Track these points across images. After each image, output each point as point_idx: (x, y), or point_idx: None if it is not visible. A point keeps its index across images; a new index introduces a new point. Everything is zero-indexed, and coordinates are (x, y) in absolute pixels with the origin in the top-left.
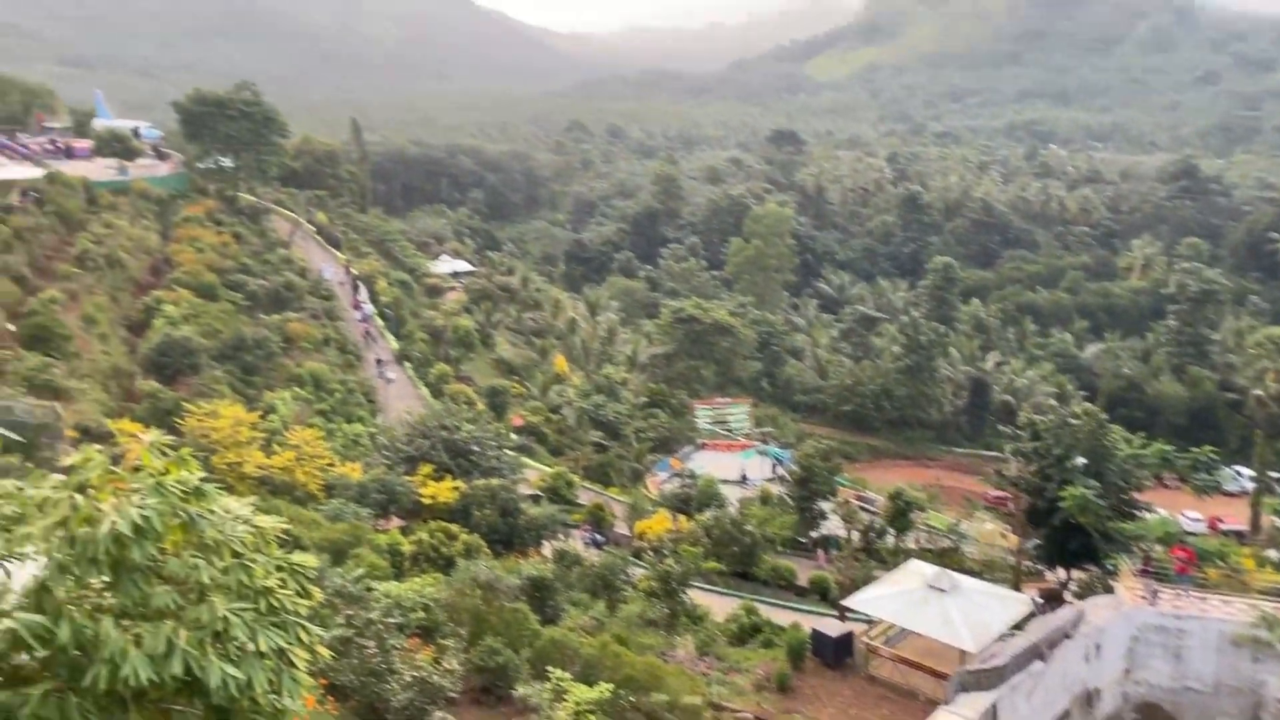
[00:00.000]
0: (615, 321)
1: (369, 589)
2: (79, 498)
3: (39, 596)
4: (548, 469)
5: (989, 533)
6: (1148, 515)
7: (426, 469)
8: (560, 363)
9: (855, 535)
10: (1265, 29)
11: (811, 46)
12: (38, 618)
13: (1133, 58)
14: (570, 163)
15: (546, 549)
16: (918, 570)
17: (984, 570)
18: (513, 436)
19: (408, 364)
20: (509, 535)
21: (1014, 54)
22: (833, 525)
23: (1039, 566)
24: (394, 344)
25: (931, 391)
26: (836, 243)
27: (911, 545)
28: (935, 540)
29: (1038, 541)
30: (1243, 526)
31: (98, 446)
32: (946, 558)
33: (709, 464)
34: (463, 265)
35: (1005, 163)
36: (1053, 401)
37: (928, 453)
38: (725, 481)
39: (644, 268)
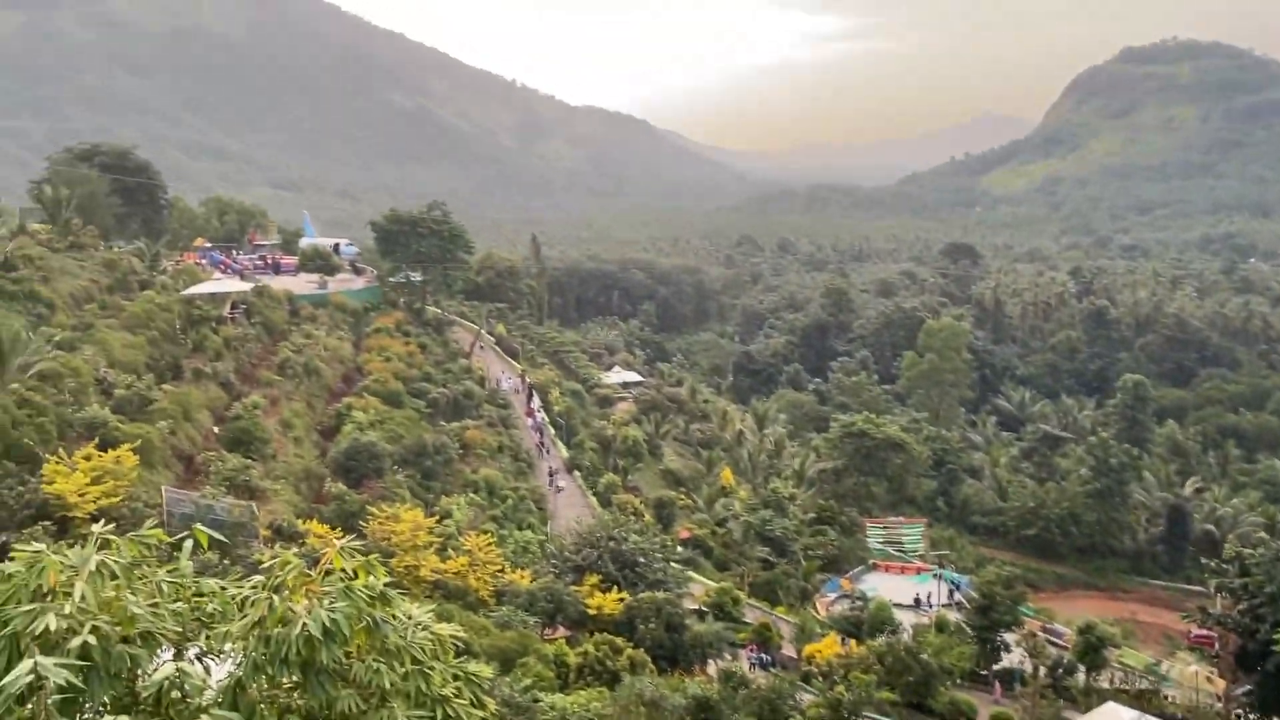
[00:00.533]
0: (783, 435)
1: (536, 699)
2: (276, 598)
3: (234, 694)
4: (713, 584)
5: (1193, 675)
6: None
7: (593, 579)
8: (727, 475)
9: (1042, 671)
10: None
11: (987, 160)
12: (234, 715)
13: None
14: (739, 275)
15: (711, 668)
16: (1114, 714)
17: (1188, 717)
18: (679, 549)
19: (577, 473)
20: (674, 651)
21: (1206, 165)
22: (1016, 658)
23: (1252, 715)
24: (565, 452)
25: (1124, 518)
26: (1016, 358)
27: (1105, 685)
28: (1132, 681)
29: (1249, 687)
30: None
31: (290, 547)
32: (1145, 701)
33: (881, 586)
34: (633, 376)
35: (1200, 277)
36: (1262, 534)
37: (1121, 584)
38: (899, 605)
39: (813, 381)
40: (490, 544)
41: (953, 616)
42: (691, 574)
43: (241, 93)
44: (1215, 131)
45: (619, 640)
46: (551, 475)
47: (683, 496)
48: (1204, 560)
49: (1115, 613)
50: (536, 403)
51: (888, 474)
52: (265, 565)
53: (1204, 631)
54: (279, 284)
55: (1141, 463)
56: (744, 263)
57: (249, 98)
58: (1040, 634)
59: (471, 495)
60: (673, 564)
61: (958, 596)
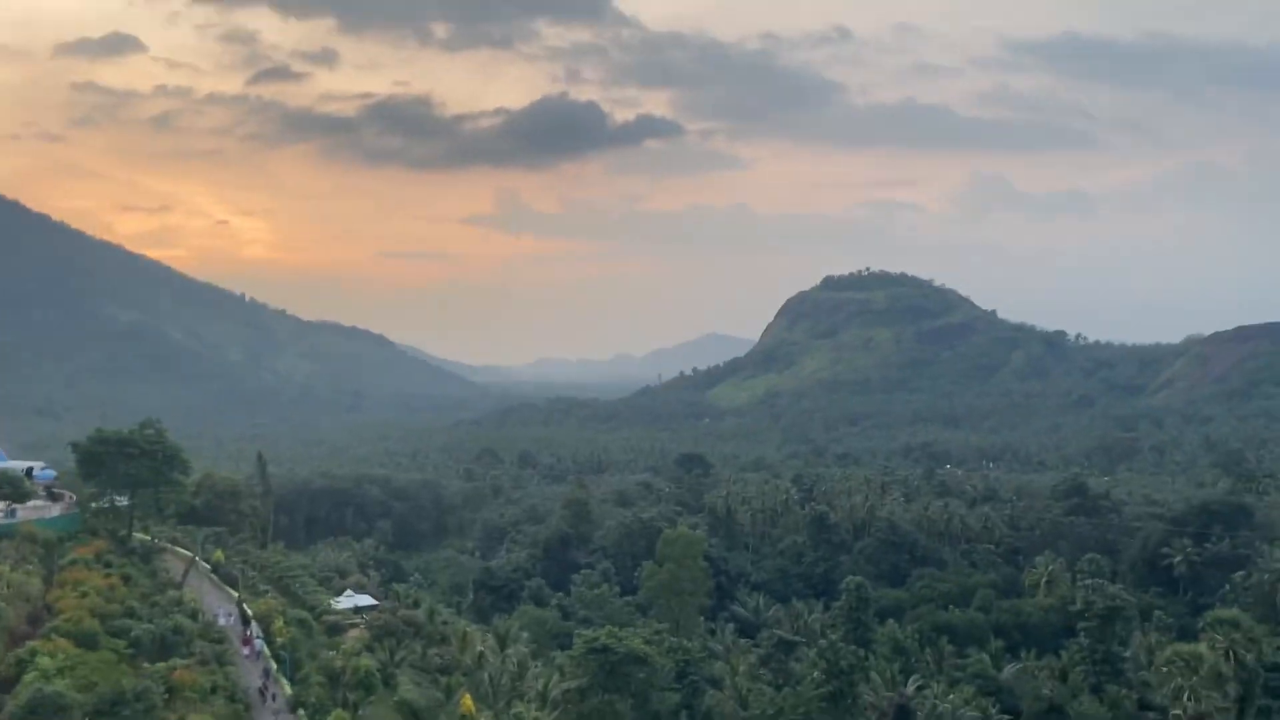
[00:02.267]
0: (525, 654)
1: None
2: None
3: None
4: None
5: None
6: None
7: None
8: (467, 702)
9: None
10: (1129, 357)
11: (713, 375)
12: None
13: (1012, 383)
14: (480, 489)
15: None
16: None
17: None
18: None
19: (302, 711)
20: None
21: (902, 380)
22: None
23: None
24: (288, 689)
25: (856, 718)
26: (750, 564)
27: None
28: None
29: None
30: None
31: None
32: None
33: None
34: (366, 599)
35: (906, 482)
36: None
37: None
38: None
39: (556, 595)
40: None
41: None
42: None
43: None
44: (908, 351)
45: None
46: (271, 715)
47: None
48: None
49: None
50: (255, 629)
51: (632, 689)
52: None
53: None
54: None
55: (868, 663)
56: (484, 476)
57: None
58: None
59: None
60: None
61: None
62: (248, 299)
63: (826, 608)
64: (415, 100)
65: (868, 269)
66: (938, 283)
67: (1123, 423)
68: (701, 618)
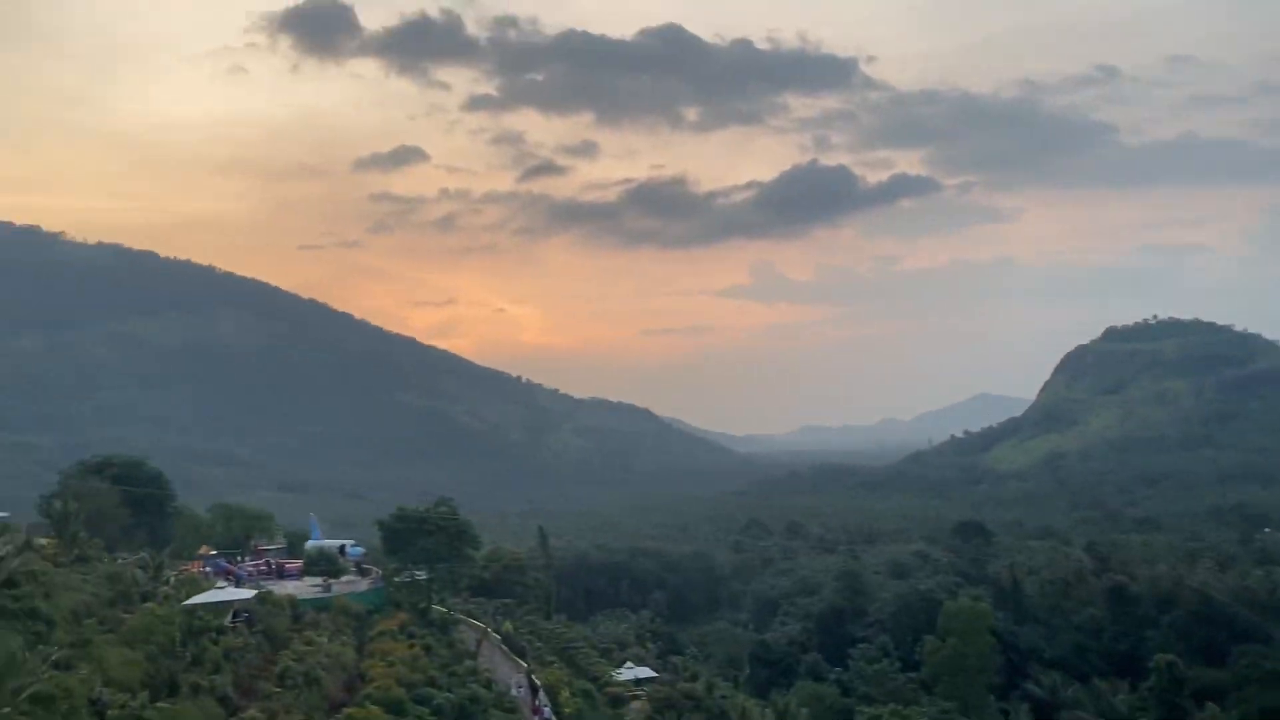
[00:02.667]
0: None
1: None
2: None
3: None
4: None
5: None
6: None
7: None
8: None
9: None
10: None
11: (988, 437)
12: None
13: None
14: (749, 561)
15: None
16: None
17: None
18: None
19: None
20: None
21: (1205, 435)
22: None
23: None
24: None
25: None
26: (1042, 639)
27: None
28: None
29: None
30: None
31: None
32: None
33: None
34: (646, 672)
35: (1217, 549)
36: None
37: None
38: None
39: (833, 669)
40: None
41: None
42: None
43: (253, 400)
44: (1209, 404)
45: None
46: None
47: None
48: None
49: None
50: (543, 698)
51: None
52: None
53: None
54: (283, 589)
55: None
56: (753, 547)
57: (260, 404)
58: None
59: None
60: None
61: None
62: (524, 380)
63: (1133, 688)
64: (670, 181)
65: (1155, 317)
66: (1237, 327)
67: None
68: (991, 697)
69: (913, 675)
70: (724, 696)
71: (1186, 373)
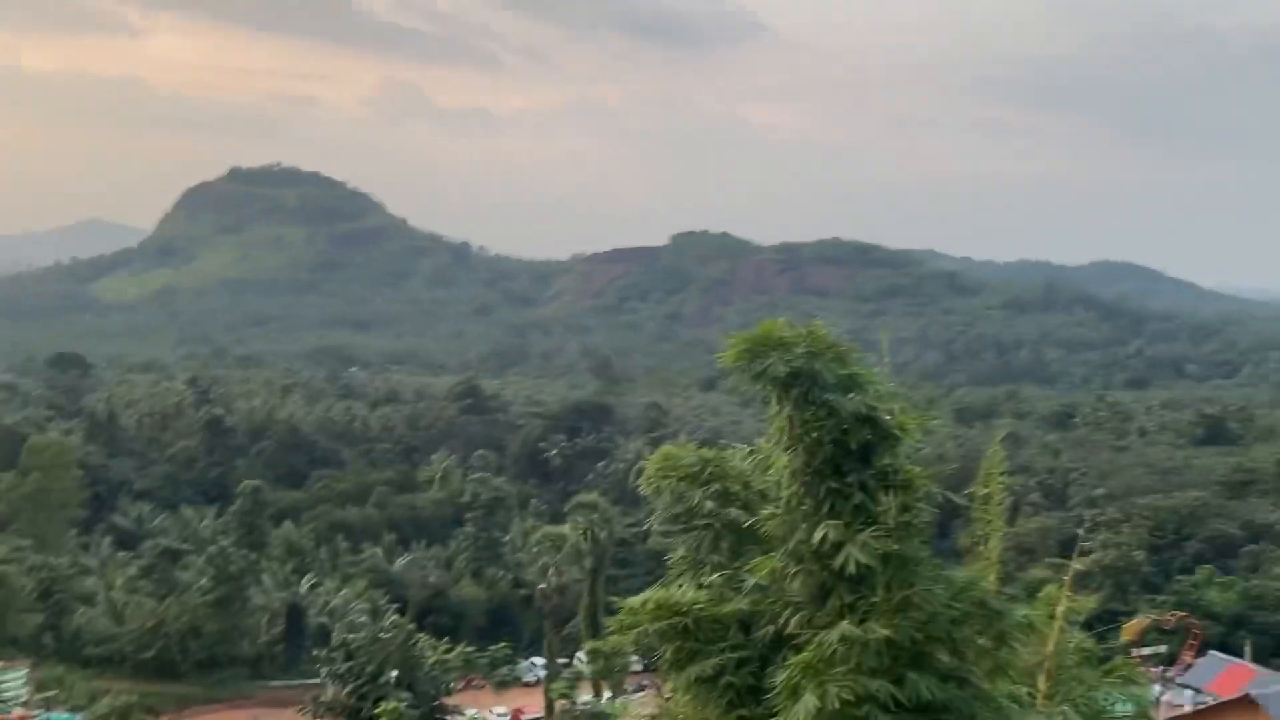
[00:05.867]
0: None
1: None
2: None
3: None
4: None
5: None
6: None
7: None
8: None
9: None
10: (525, 271)
11: (98, 266)
12: None
13: (420, 291)
14: None
15: None
16: None
17: None
18: None
19: None
20: None
21: (313, 283)
22: None
23: None
24: None
25: (246, 623)
26: (134, 471)
27: None
28: None
29: None
30: (539, 714)
31: None
32: None
33: None
34: None
35: (309, 385)
36: (364, 619)
37: (243, 691)
38: None
39: None
40: None
41: None
42: None
43: None
44: (320, 253)
45: None
46: None
47: None
48: (316, 652)
49: None
50: None
51: None
52: None
53: None
54: None
55: (260, 566)
56: None
57: None
58: None
59: None
60: None
61: None
62: None
63: (220, 514)
64: None
65: (279, 163)
66: (350, 185)
67: (516, 331)
68: (73, 531)
69: None
70: None
71: (304, 222)
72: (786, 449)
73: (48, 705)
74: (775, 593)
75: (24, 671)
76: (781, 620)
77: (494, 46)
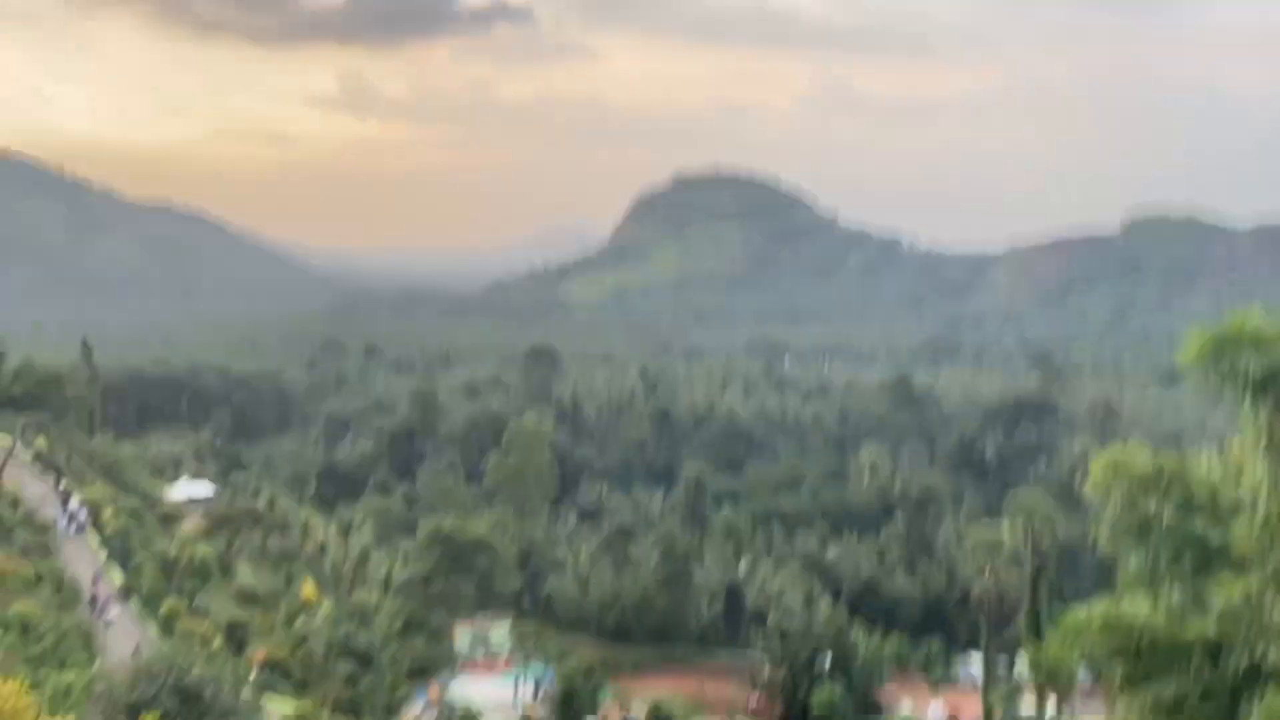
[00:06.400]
0: (369, 542)
1: None
2: None
3: None
4: (289, 709)
5: None
6: (894, 714)
7: (151, 717)
8: (308, 589)
9: None
10: (956, 262)
11: (565, 270)
12: None
13: (850, 284)
14: (324, 380)
15: None
16: None
17: None
18: (254, 673)
19: (135, 599)
20: None
21: (748, 279)
22: None
23: None
24: (119, 579)
25: (690, 599)
26: (594, 454)
27: None
28: None
29: None
30: (977, 718)
31: None
32: None
33: (471, 688)
34: (203, 489)
35: (746, 377)
36: (798, 604)
37: (691, 660)
38: (488, 707)
39: (401, 485)
40: (23, 690)
41: (540, 712)
42: (269, 699)
43: None
44: (754, 250)
45: None
46: (94, 602)
47: (260, 616)
48: (752, 631)
49: (686, 687)
50: (74, 502)
51: (475, 575)
52: None
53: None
54: None
55: (703, 547)
56: (329, 367)
57: None
58: (619, 718)
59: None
60: (245, 691)
61: (543, 691)
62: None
63: (666, 496)
64: None
65: (717, 168)
66: (783, 183)
67: (948, 323)
68: (546, 504)
69: (478, 489)
70: (287, 512)
71: (738, 221)
72: (1264, 457)
73: (526, 657)
74: (1250, 618)
75: (507, 624)
76: (1259, 650)
77: (923, 28)
